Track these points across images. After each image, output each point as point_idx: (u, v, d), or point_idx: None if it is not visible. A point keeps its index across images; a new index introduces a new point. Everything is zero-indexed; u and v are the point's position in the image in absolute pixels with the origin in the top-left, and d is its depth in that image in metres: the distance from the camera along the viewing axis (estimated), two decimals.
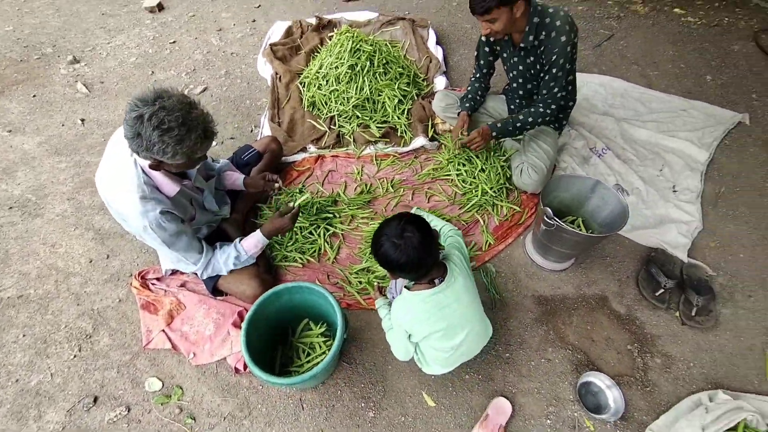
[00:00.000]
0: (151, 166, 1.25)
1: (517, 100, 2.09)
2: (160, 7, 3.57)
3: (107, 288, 1.75)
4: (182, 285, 1.75)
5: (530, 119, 1.86)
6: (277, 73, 2.75)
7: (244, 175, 1.85)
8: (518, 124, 1.89)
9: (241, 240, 1.59)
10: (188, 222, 1.47)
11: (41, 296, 1.73)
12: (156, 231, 1.30)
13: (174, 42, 3.18)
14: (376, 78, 2.45)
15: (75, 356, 1.55)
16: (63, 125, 2.54)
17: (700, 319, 1.66)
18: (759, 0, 3.17)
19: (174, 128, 1.12)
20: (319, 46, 2.91)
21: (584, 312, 1.72)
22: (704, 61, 2.75)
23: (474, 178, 2.12)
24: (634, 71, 2.70)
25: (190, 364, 1.56)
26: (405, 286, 1.29)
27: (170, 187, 1.35)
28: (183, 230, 1.39)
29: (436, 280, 1.23)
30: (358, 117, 2.42)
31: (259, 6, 3.48)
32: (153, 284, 1.73)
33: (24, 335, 1.60)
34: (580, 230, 1.71)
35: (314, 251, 1.93)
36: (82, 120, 2.57)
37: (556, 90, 1.76)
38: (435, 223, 1.67)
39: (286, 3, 3.49)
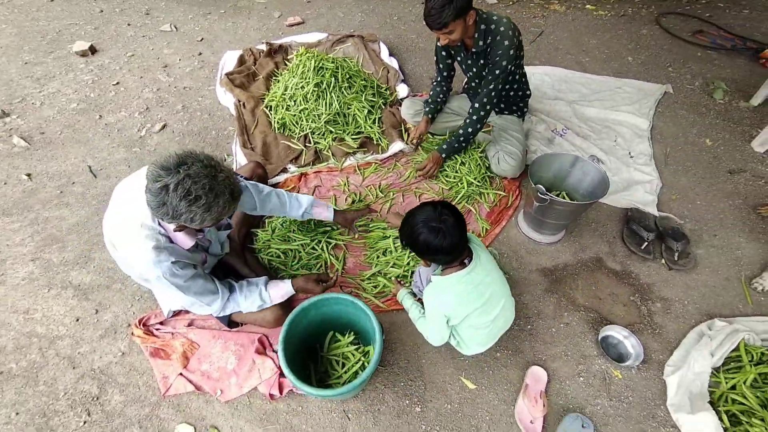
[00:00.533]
0: (175, 230, 1.20)
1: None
2: (93, 50, 3.37)
3: (104, 344, 1.58)
4: (190, 324, 1.63)
5: (470, 129, 2.05)
6: (239, 101, 2.71)
7: (333, 213, 1.84)
8: (461, 139, 2.09)
9: (266, 285, 1.50)
10: (200, 266, 1.39)
11: (26, 368, 1.51)
12: (170, 279, 1.22)
13: (117, 83, 3.01)
14: (342, 93, 2.50)
15: (85, 422, 1.37)
16: (5, 183, 2.29)
17: (683, 263, 1.86)
18: None
19: (201, 197, 1.06)
20: (275, 70, 2.93)
21: (586, 275, 1.85)
22: (622, 45, 3.14)
23: (456, 172, 2.23)
24: (569, 60, 3.02)
25: (219, 402, 1.44)
26: (434, 274, 1.32)
27: (185, 241, 1.27)
28: (197, 274, 1.31)
29: (466, 260, 1.28)
30: (331, 132, 2.45)
31: (202, 39, 3.42)
32: (157, 329, 1.59)
33: (17, 413, 1.38)
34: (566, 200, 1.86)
35: (320, 266, 1.90)
36: (28, 175, 2.33)
37: (491, 87, 1.90)
38: None
39: (229, 34, 3.47)
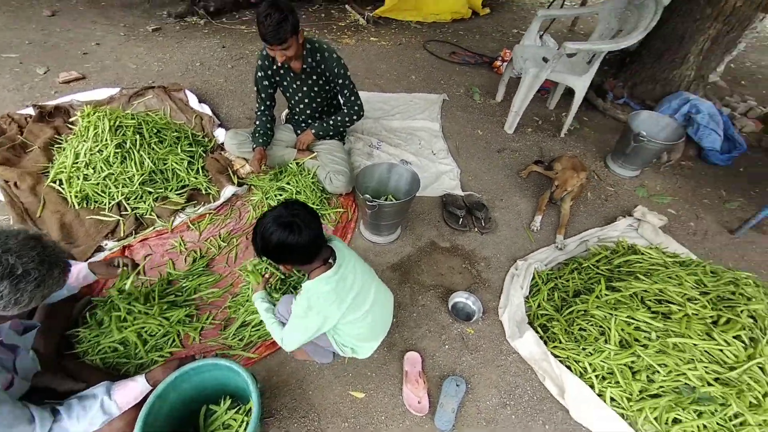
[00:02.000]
0: None
1: (303, 124, 2.42)
2: None
3: None
4: None
5: (339, 119, 2.29)
6: (7, 181, 2.20)
7: (85, 263, 1.53)
8: (338, 124, 2.31)
9: (110, 392, 1.22)
10: (2, 392, 1.07)
11: None
12: None
13: None
14: (153, 149, 2.31)
15: None
16: None
17: (488, 227, 2.36)
18: (349, 8, 4.58)
19: (31, 272, 0.90)
20: (55, 137, 2.48)
21: (426, 259, 2.17)
22: (405, 67, 3.80)
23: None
24: (368, 83, 3.49)
25: None
26: (301, 284, 1.29)
27: None
28: (0, 398, 1.02)
29: (330, 260, 1.27)
30: (150, 192, 2.23)
31: None
32: None
33: None
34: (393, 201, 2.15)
35: (172, 341, 1.70)
36: None
37: (349, 84, 2.19)
38: None
39: None
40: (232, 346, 1.72)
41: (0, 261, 0.87)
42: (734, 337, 1.55)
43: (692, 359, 1.53)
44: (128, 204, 2.18)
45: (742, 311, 1.59)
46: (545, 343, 1.77)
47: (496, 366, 1.77)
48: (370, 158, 2.71)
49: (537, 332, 1.81)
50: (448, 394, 1.61)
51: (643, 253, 1.95)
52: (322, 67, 2.10)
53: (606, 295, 1.76)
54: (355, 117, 2.32)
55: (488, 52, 4.22)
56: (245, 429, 1.36)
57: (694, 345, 1.54)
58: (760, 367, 1.50)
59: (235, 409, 1.44)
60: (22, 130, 2.53)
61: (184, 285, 1.92)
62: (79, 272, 1.49)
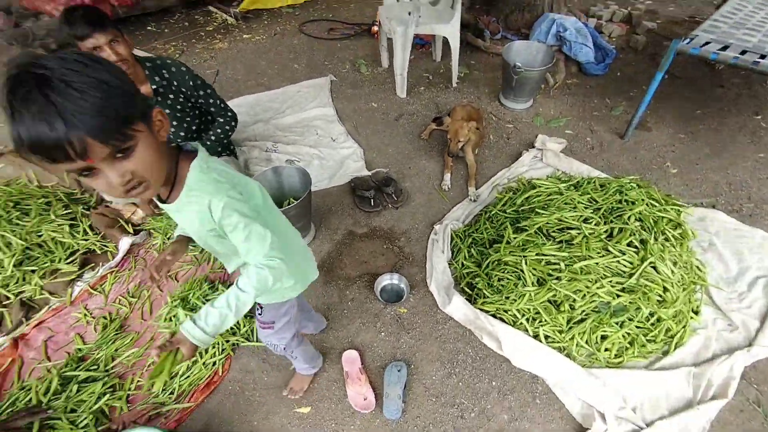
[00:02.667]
0: None
1: (179, 139, 2.24)
2: None
3: None
4: None
5: (219, 130, 2.12)
6: None
7: None
8: (219, 137, 2.14)
9: None
10: None
11: None
12: None
13: None
14: (17, 224, 2.06)
15: None
16: None
17: (400, 200, 2.34)
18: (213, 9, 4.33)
19: None
20: None
21: (347, 251, 2.13)
22: (286, 57, 3.61)
23: None
24: (251, 85, 3.28)
25: None
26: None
27: None
28: None
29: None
30: (34, 271, 2.00)
31: None
32: None
33: None
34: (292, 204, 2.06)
35: (96, 420, 1.58)
36: None
37: (217, 102, 2.06)
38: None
39: None
40: (164, 403, 1.63)
41: None
42: (627, 245, 1.65)
43: (598, 278, 1.62)
44: (8, 292, 1.95)
45: (629, 218, 1.70)
46: (474, 301, 1.81)
47: (435, 338, 1.79)
48: (270, 163, 2.58)
49: (465, 291, 1.84)
50: (390, 382, 1.62)
51: (540, 186, 2.02)
52: (174, 84, 1.91)
53: (514, 237, 1.81)
54: (232, 123, 2.17)
55: (366, 19, 4.08)
56: None
57: (596, 264, 1.63)
58: (653, 267, 1.62)
59: None
60: None
61: (98, 356, 1.78)
62: None
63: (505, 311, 1.72)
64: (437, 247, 2.05)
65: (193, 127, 2.18)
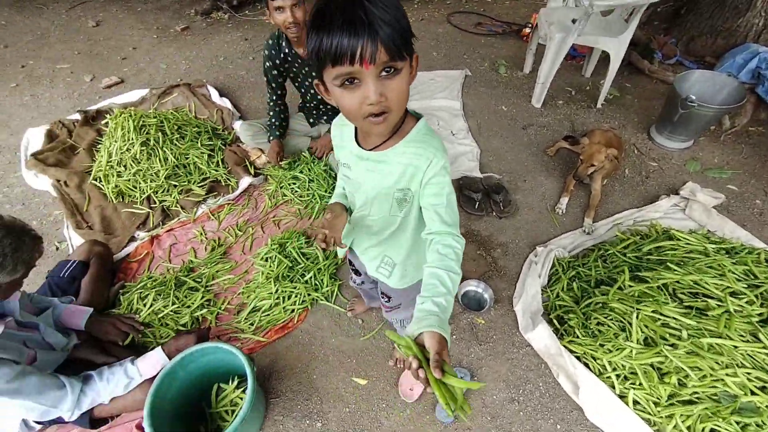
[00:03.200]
0: None
1: (314, 111, 2.40)
2: None
3: None
4: None
5: None
6: (59, 180, 2.44)
7: (88, 310, 1.57)
8: None
9: (134, 360, 1.40)
10: (28, 366, 1.23)
11: None
12: None
13: None
14: (175, 144, 2.43)
15: None
16: None
17: (507, 210, 2.22)
18: None
19: (3, 239, 1.07)
20: (98, 138, 2.70)
21: None
22: (426, 44, 3.63)
23: (307, 189, 2.33)
24: None
25: None
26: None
27: None
28: (26, 371, 1.17)
29: None
30: (175, 186, 2.36)
31: None
32: None
33: None
34: None
35: (192, 323, 1.82)
36: None
37: None
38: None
39: (29, 109, 3.08)
40: (243, 330, 1.81)
41: None
42: None
43: (732, 363, 1.34)
44: (156, 197, 2.33)
45: None
46: (561, 336, 1.65)
47: (507, 359, 1.68)
48: None
49: (553, 324, 1.68)
50: None
51: (678, 239, 1.72)
52: None
53: (630, 286, 1.58)
54: None
55: (518, 19, 3.88)
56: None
57: (735, 347, 1.34)
58: None
59: (242, 389, 1.51)
60: (71, 133, 2.79)
61: (203, 272, 2.04)
62: (73, 318, 1.57)
63: (594, 358, 1.53)
64: (534, 270, 1.90)
65: (329, 104, 2.31)
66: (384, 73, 0.69)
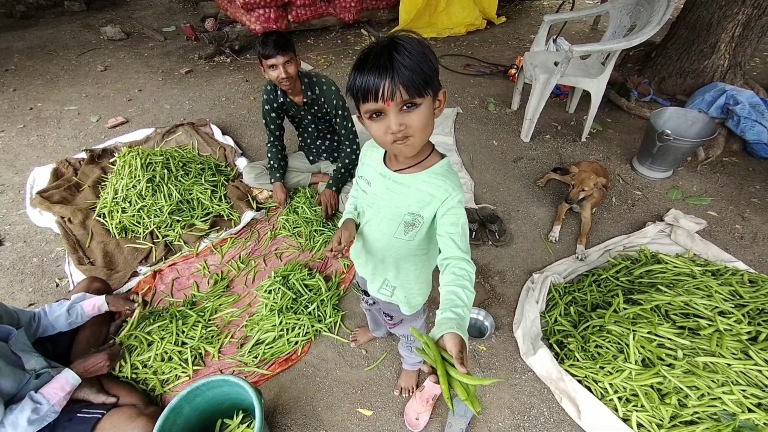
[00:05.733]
0: None
1: (314, 149, 2.52)
2: None
3: None
4: None
5: (347, 161, 2.32)
6: (63, 217, 2.48)
7: (103, 296, 1.74)
8: (343, 169, 2.34)
9: (38, 387, 1.34)
10: None
11: None
12: None
13: None
14: (179, 181, 2.51)
15: None
16: None
17: (503, 239, 2.30)
18: (365, 32, 4.67)
19: None
20: (103, 176, 2.77)
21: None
22: None
23: (306, 224, 2.40)
24: None
25: None
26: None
27: None
28: None
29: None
30: (179, 220, 2.41)
31: None
32: None
33: None
34: None
35: (195, 357, 1.81)
36: None
37: (346, 123, 2.25)
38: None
39: (35, 149, 3.17)
40: (247, 363, 1.80)
41: None
42: None
43: (727, 381, 1.38)
44: (159, 232, 2.38)
45: None
46: (561, 360, 1.68)
47: (510, 385, 1.69)
48: None
49: (553, 349, 1.72)
50: (456, 413, 1.57)
51: (667, 262, 1.81)
52: (321, 100, 2.19)
53: (624, 308, 1.64)
54: (353, 156, 2.34)
55: (504, 61, 4.17)
56: None
57: (728, 365, 1.40)
58: None
59: (247, 424, 1.50)
60: (77, 171, 2.86)
61: (206, 306, 2.05)
62: (95, 304, 1.71)
63: (596, 381, 1.56)
64: (532, 296, 1.95)
65: (327, 134, 2.46)
66: (405, 108, 0.81)
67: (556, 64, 2.59)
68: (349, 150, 2.33)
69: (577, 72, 2.69)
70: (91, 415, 1.41)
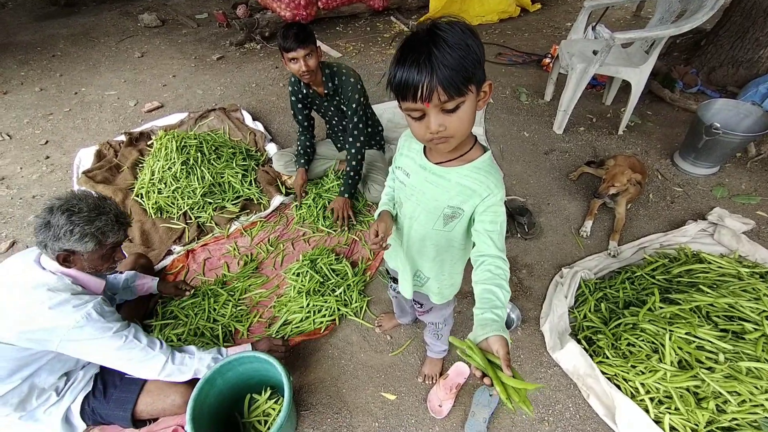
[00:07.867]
0: (61, 260, 1.21)
1: (340, 136, 2.53)
2: None
3: None
4: None
5: (354, 162, 2.23)
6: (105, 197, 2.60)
7: (156, 279, 1.88)
8: (352, 173, 2.25)
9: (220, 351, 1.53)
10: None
11: None
12: (98, 320, 1.22)
13: None
14: (212, 164, 2.57)
15: None
16: None
17: (532, 232, 2.25)
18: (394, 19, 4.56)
19: (84, 209, 1.18)
20: (140, 158, 2.88)
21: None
22: None
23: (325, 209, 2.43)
24: None
25: None
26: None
27: (95, 283, 1.29)
28: (123, 320, 1.31)
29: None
30: (210, 203, 2.48)
31: (47, 142, 3.21)
32: None
33: None
34: None
35: (225, 335, 1.88)
36: None
37: (356, 120, 2.18)
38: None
39: (80, 131, 3.32)
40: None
41: (68, 200, 1.20)
42: None
43: None
44: (192, 213, 2.45)
45: None
46: (590, 357, 1.64)
47: (535, 378, 1.67)
48: None
49: (581, 345, 1.68)
50: (479, 402, 1.57)
51: (710, 262, 1.72)
52: (340, 90, 2.17)
53: (660, 308, 1.58)
54: (359, 157, 2.25)
55: (538, 50, 4.03)
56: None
57: None
58: None
59: (274, 400, 1.55)
60: (117, 153, 2.98)
61: (236, 286, 2.12)
62: (145, 284, 1.85)
63: (626, 380, 1.51)
64: (560, 291, 1.91)
65: (344, 131, 2.43)
66: (445, 109, 0.76)
67: (594, 53, 2.47)
68: (354, 150, 2.23)
69: (618, 61, 2.56)
70: None
